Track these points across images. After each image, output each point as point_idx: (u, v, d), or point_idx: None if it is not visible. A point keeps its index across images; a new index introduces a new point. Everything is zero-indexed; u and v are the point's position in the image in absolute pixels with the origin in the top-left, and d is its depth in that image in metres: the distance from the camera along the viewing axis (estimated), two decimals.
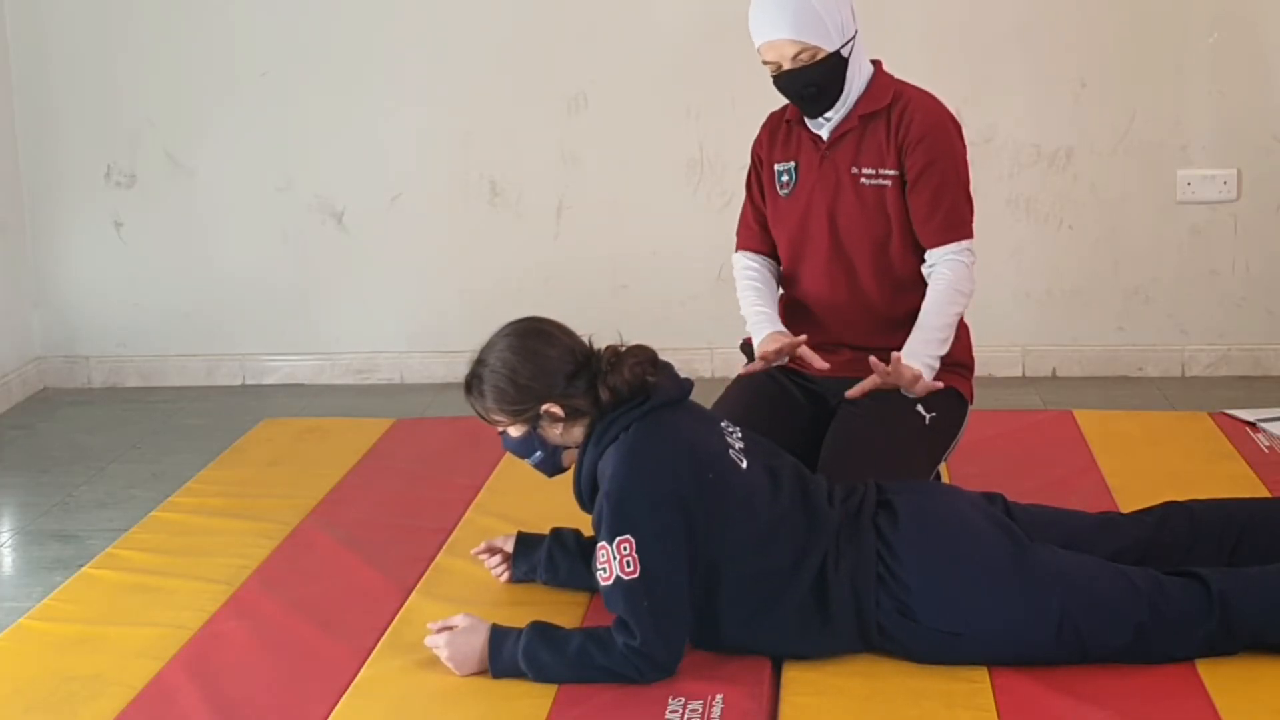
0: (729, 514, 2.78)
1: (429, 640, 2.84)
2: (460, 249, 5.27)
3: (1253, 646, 2.75)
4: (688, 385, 2.93)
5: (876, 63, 3.40)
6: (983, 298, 4.97)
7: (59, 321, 5.42)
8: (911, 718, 2.63)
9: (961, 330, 3.45)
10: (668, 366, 2.95)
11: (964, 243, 3.34)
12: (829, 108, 3.32)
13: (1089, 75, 5.00)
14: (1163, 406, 4.74)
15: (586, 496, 2.89)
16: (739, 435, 2.92)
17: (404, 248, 5.28)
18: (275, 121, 5.23)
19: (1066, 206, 5.08)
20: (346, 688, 2.80)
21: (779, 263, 3.53)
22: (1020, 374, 5.18)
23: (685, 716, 2.63)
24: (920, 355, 3.27)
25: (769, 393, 3.45)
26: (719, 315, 5.11)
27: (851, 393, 3.28)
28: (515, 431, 2.90)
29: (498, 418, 2.89)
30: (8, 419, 5.07)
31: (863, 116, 3.32)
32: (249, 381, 5.39)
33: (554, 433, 2.88)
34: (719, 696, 2.68)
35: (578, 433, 2.88)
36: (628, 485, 2.74)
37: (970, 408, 3.47)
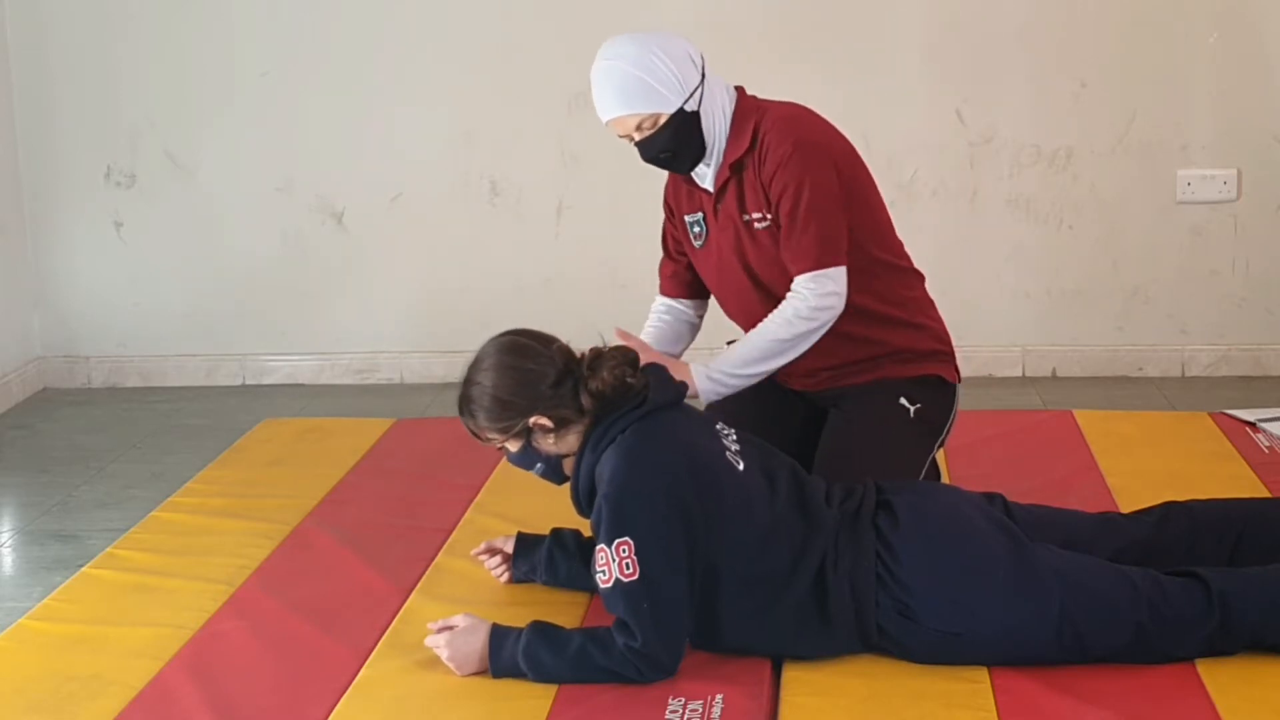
0: (727, 516, 2.78)
1: (429, 640, 2.84)
2: (460, 249, 5.27)
3: (1253, 646, 2.75)
4: (683, 388, 2.94)
5: (739, 90, 3.31)
6: (983, 298, 5.03)
7: (59, 321, 5.42)
8: (911, 718, 2.63)
9: (928, 315, 3.42)
10: (661, 369, 2.95)
11: (818, 271, 3.20)
12: (696, 163, 3.27)
13: (1089, 75, 5.00)
14: (1163, 406, 4.74)
15: (585, 502, 2.89)
16: (734, 438, 2.92)
17: (404, 248, 5.28)
18: (275, 121, 5.23)
19: (1066, 206, 5.08)
20: (346, 688, 2.80)
21: (702, 301, 3.52)
22: (1020, 374, 5.17)
23: (685, 716, 2.63)
24: (714, 370, 3.20)
25: (764, 391, 3.44)
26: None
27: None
28: (513, 446, 2.90)
29: (491, 436, 2.89)
30: (8, 419, 5.07)
31: (732, 165, 3.26)
32: (249, 381, 5.39)
33: (547, 443, 2.87)
34: (719, 696, 2.68)
35: (572, 440, 2.87)
36: (626, 487, 2.74)
37: (959, 388, 3.45)
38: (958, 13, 5.01)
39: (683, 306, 3.53)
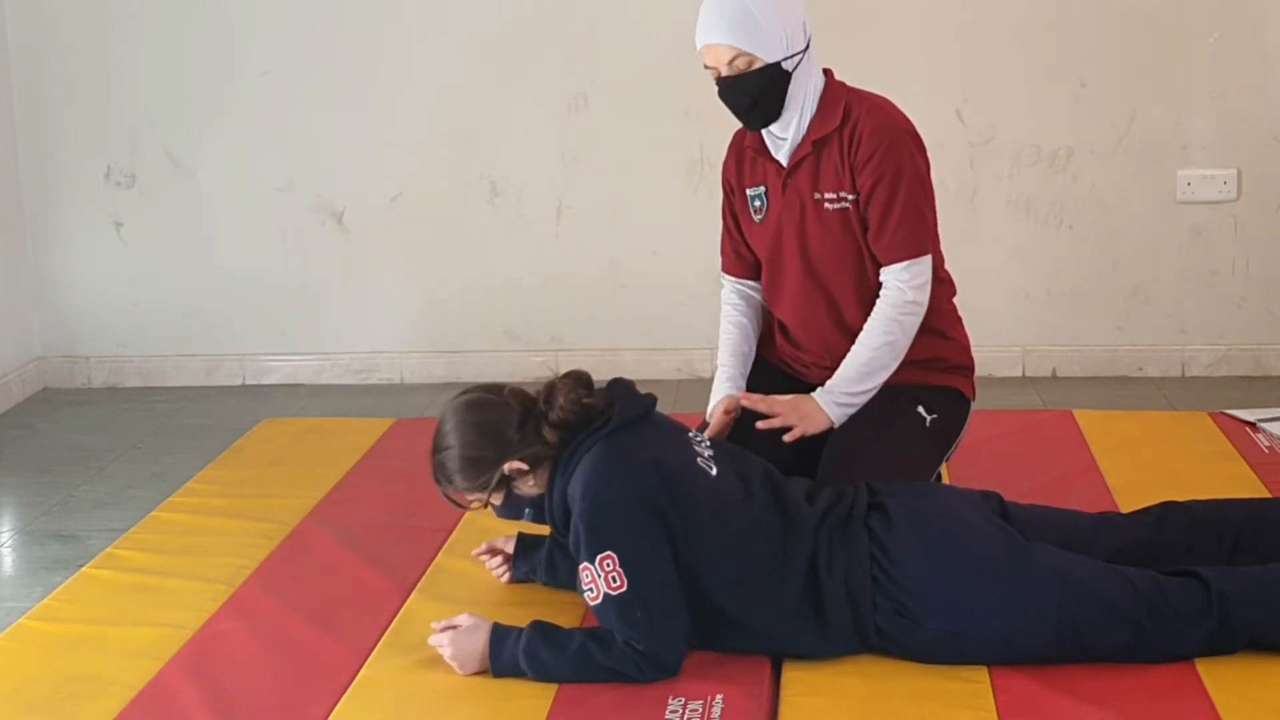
0: (702, 521, 2.78)
1: (433, 639, 2.85)
2: (460, 249, 5.27)
3: (1252, 646, 2.75)
4: (649, 400, 2.93)
5: (828, 73, 3.33)
6: (983, 298, 5.03)
7: (59, 321, 5.42)
8: (911, 718, 2.63)
9: (956, 332, 3.44)
10: (628, 385, 2.94)
11: (912, 261, 3.25)
12: (767, 122, 3.26)
13: (1089, 75, 5.00)
14: (1163, 406, 4.74)
15: (560, 524, 2.88)
16: (707, 444, 2.93)
17: (404, 248, 5.28)
18: (275, 121, 5.23)
19: (1066, 206, 5.08)
20: (346, 688, 2.80)
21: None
22: (1020, 374, 5.18)
23: (685, 716, 2.63)
24: (836, 394, 3.24)
25: (776, 386, 3.44)
26: (719, 315, 5.11)
27: (761, 425, 3.22)
28: (496, 500, 2.90)
29: (473, 496, 2.89)
30: (8, 419, 5.07)
31: (815, 141, 3.26)
32: (249, 381, 5.39)
33: (527, 486, 2.87)
34: (719, 696, 2.68)
35: (547, 476, 2.88)
36: (598, 501, 2.75)
37: (973, 407, 3.47)
38: (958, 13, 5.01)
39: (751, 290, 3.51)
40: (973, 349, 3.51)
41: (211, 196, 5.30)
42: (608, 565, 2.71)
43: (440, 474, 2.90)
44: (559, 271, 5.22)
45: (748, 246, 3.46)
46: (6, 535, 4.00)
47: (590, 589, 2.74)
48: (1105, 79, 5.00)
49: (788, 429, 3.22)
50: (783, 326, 3.47)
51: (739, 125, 3.36)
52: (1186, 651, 2.74)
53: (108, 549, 3.54)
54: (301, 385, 5.35)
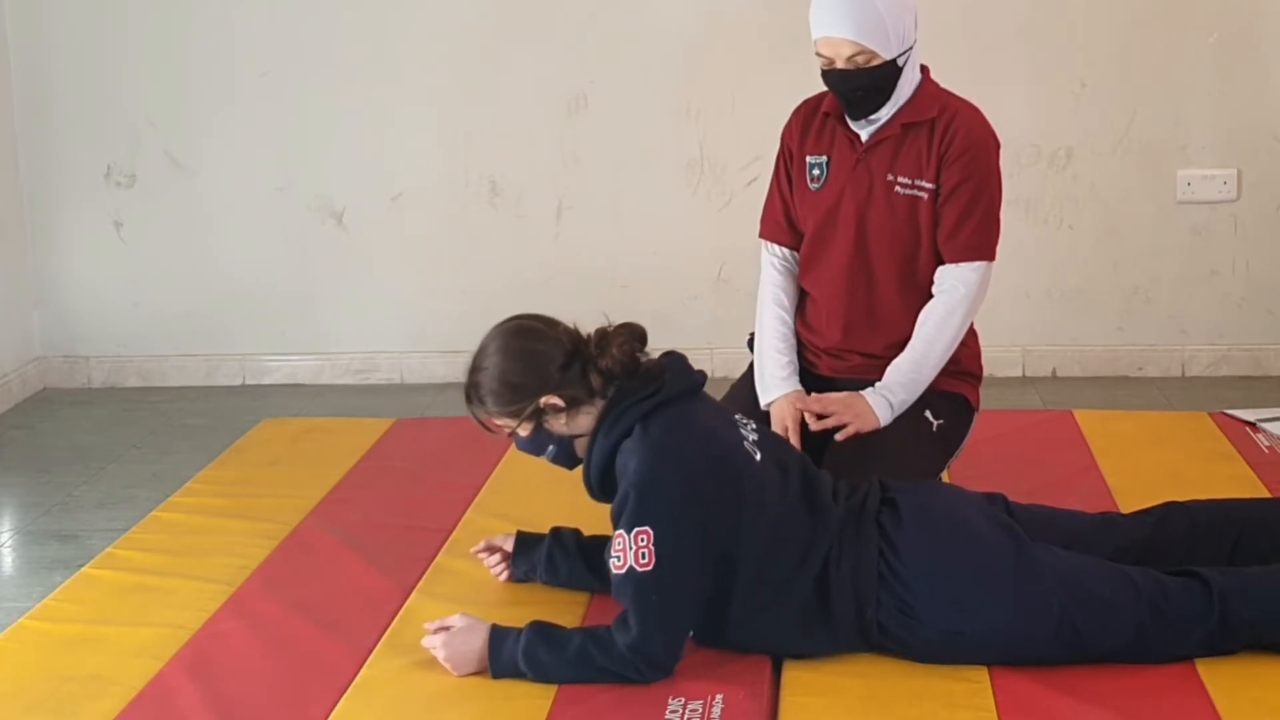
0: (744, 506, 2.78)
1: (426, 641, 2.84)
2: (460, 249, 5.27)
3: (1253, 646, 2.75)
4: (700, 376, 2.91)
5: (924, 69, 3.35)
6: None
7: (59, 321, 5.42)
8: (911, 718, 2.63)
9: (970, 339, 3.44)
10: (680, 358, 2.93)
11: (979, 264, 3.30)
12: (872, 112, 3.27)
13: (1089, 75, 5.00)
14: (1163, 406, 4.74)
15: (597, 486, 2.87)
16: (752, 427, 2.93)
17: (404, 248, 5.28)
18: (275, 121, 5.23)
19: (1066, 206, 5.08)
20: (346, 688, 2.80)
21: None
22: (1020, 374, 5.18)
23: (685, 716, 2.63)
24: (894, 400, 3.25)
25: None
26: (719, 315, 5.12)
27: (817, 426, 3.25)
28: (523, 431, 2.88)
29: (501, 421, 2.87)
30: (8, 419, 5.07)
31: (905, 125, 3.27)
32: (249, 381, 5.39)
33: (559, 424, 2.85)
34: (719, 696, 2.68)
35: (584, 421, 2.85)
36: (653, 478, 2.73)
37: (977, 414, 3.48)
38: (958, 13, 5.01)
39: (793, 264, 3.48)
40: (981, 356, 3.51)
41: (211, 196, 5.30)
42: (642, 540, 2.71)
43: (473, 393, 2.87)
44: (559, 271, 5.22)
45: (794, 214, 3.44)
46: (6, 535, 4.00)
47: (618, 557, 2.73)
48: (1105, 79, 5.00)
49: (841, 428, 3.23)
50: (803, 311, 3.45)
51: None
52: (1187, 651, 2.74)
53: (108, 549, 3.54)
54: (301, 385, 5.35)
